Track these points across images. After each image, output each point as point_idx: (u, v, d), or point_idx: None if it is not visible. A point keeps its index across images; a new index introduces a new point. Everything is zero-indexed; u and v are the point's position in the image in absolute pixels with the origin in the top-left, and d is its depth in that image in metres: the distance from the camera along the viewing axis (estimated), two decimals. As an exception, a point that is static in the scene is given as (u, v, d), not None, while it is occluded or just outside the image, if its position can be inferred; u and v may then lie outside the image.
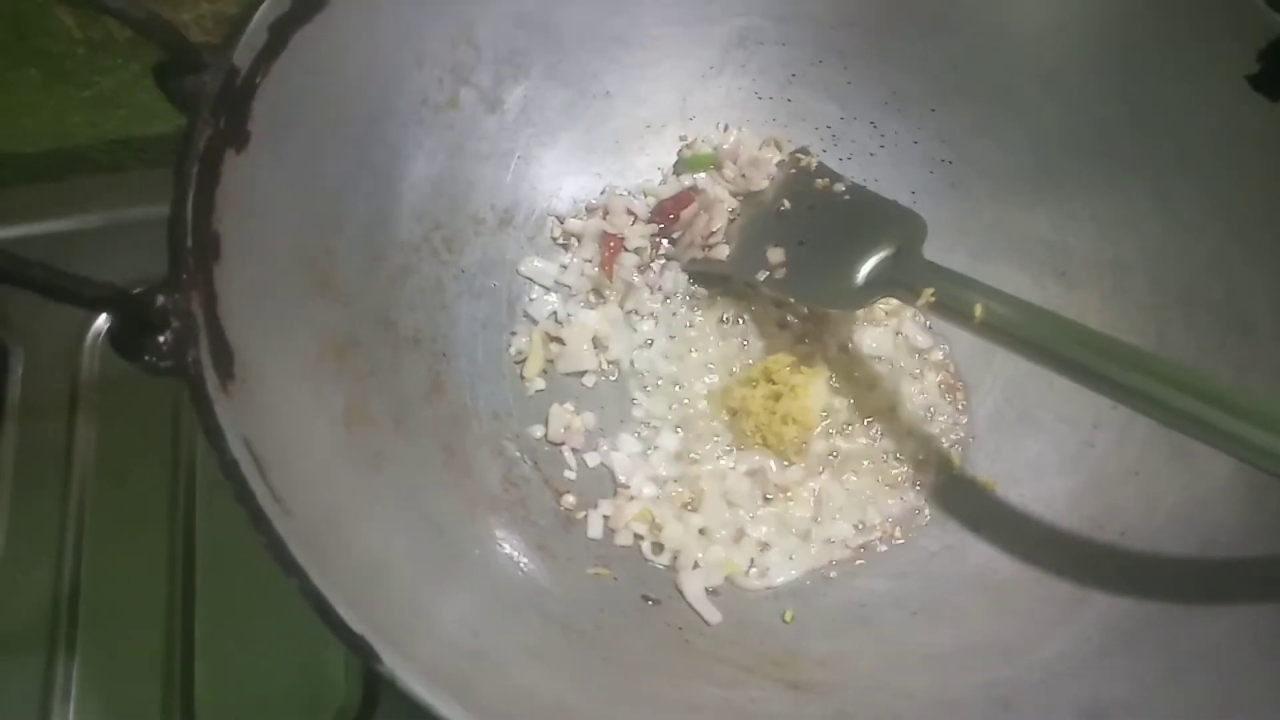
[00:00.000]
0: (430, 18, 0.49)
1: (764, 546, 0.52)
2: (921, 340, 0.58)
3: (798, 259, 0.54)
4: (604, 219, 0.58)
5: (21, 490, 0.55)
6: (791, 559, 0.51)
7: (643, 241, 0.59)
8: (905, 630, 0.48)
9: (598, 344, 0.56)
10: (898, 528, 0.53)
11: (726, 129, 0.61)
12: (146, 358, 0.32)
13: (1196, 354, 0.49)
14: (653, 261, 0.59)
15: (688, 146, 0.61)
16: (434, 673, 0.33)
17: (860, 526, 0.53)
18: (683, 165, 0.61)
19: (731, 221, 0.58)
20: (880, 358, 0.58)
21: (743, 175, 0.60)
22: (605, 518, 0.51)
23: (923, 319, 0.58)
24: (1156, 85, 0.50)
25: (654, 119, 0.60)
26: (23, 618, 0.51)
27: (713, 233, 0.58)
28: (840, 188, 0.56)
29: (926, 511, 0.53)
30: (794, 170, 0.59)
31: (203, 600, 0.52)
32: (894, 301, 0.57)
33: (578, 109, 0.57)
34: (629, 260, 0.58)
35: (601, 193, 0.60)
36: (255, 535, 0.30)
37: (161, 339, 0.33)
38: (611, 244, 0.58)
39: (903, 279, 0.49)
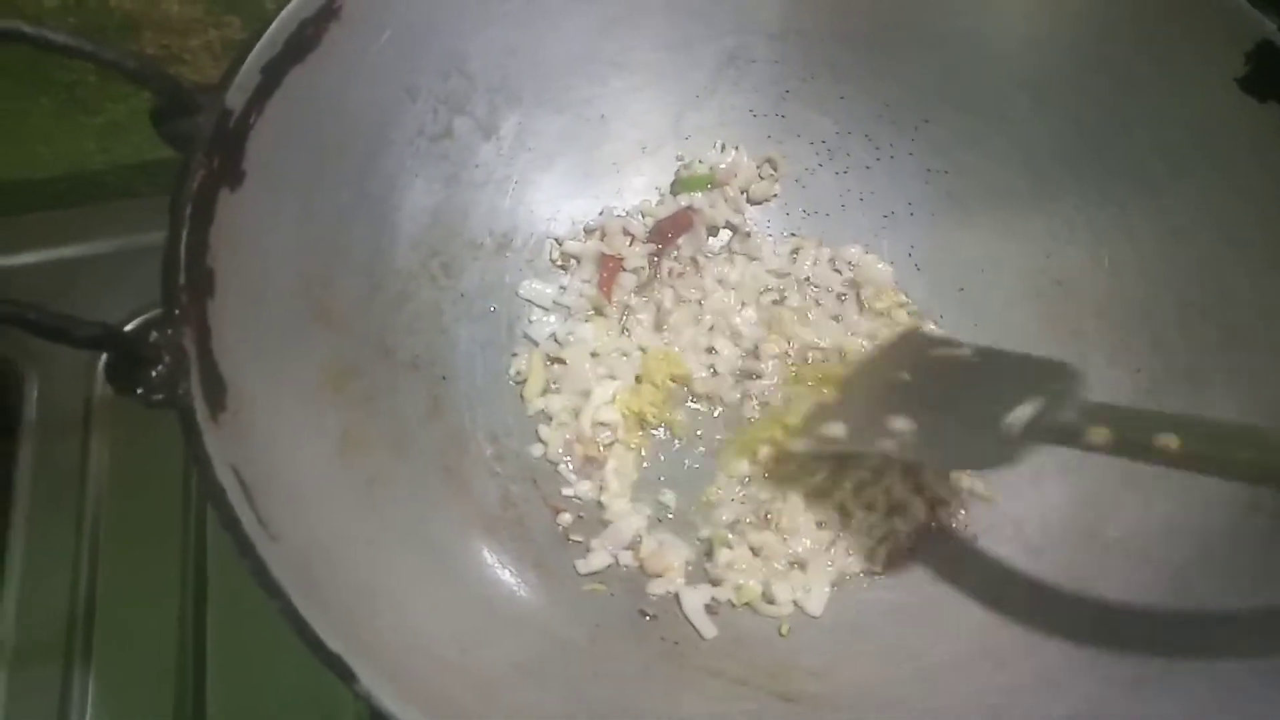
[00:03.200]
0: (423, 51, 0.50)
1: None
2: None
3: (930, 426, 0.50)
4: (602, 240, 0.59)
5: (38, 508, 0.56)
6: (806, 590, 0.51)
7: (641, 262, 0.59)
8: (899, 641, 0.48)
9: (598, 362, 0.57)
10: (900, 543, 0.53)
11: (724, 148, 0.62)
12: (139, 390, 0.34)
13: (1188, 357, 0.49)
14: (651, 281, 0.59)
15: (684, 167, 0.62)
16: (420, 692, 0.34)
17: (861, 547, 0.53)
18: (679, 185, 0.61)
19: (842, 399, 0.56)
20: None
21: (743, 192, 0.62)
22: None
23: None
24: (1144, 92, 0.50)
25: (649, 141, 0.61)
26: (40, 631, 0.52)
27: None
28: (966, 352, 0.52)
29: (929, 525, 0.53)
30: (901, 341, 0.57)
31: (214, 614, 0.53)
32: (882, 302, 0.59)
33: (573, 133, 0.58)
34: (627, 281, 0.59)
35: (599, 214, 0.60)
36: (240, 560, 0.32)
37: (154, 372, 0.34)
38: (610, 265, 0.59)
39: (1061, 425, 0.44)
